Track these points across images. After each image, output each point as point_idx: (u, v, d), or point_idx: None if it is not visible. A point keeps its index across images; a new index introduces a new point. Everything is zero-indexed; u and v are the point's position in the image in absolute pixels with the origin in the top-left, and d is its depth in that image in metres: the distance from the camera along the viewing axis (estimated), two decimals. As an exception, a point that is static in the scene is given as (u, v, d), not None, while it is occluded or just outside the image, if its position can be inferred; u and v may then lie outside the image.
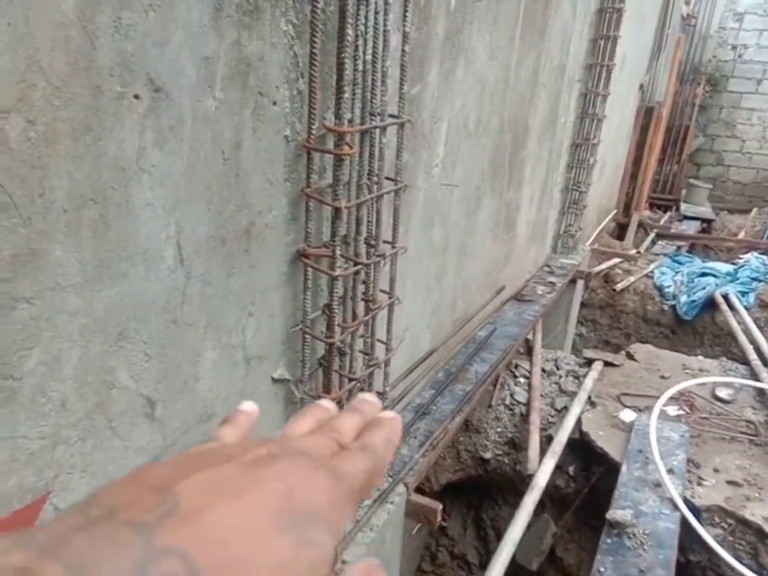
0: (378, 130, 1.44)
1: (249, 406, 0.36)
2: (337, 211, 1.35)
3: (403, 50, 1.45)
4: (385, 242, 1.63)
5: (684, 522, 2.23)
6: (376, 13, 1.32)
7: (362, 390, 1.70)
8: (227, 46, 1.07)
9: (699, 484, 2.48)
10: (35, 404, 0.92)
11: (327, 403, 0.36)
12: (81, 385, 0.99)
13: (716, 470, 2.55)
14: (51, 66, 0.81)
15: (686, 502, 2.31)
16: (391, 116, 1.50)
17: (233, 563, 0.25)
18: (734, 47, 9.25)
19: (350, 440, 0.33)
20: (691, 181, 8.98)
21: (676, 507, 2.27)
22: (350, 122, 1.33)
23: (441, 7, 1.80)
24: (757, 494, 2.42)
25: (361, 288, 1.60)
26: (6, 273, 0.83)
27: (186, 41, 0.99)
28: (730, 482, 2.48)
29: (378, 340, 1.74)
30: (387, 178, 1.57)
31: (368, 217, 1.52)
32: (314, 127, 1.25)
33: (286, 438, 0.34)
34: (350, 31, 1.23)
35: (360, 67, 1.30)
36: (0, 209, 0.80)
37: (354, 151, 1.34)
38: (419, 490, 2.21)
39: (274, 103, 1.23)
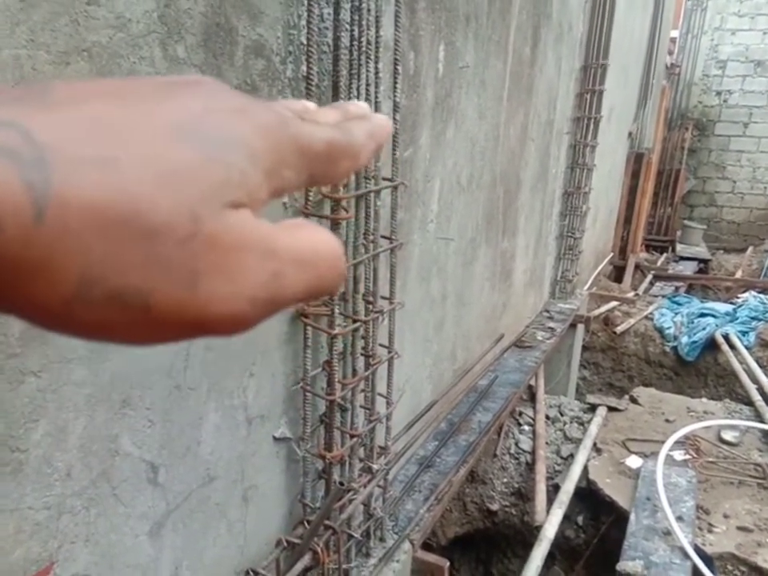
0: (372, 194, 1.50)
1: None
2: (334, 272, 1.40)
3: (395, 118, 1.53)
4: (383, 297, 1.67)
5: (696, 571, 2.19)
6: (367, 85, 1.40)
7: (363, 446, 1.71)
8: (227, 124, 1.13)
9: (710, 531, 2.44)
10: (41, 475, 0.94)
11: (309, 104, 0.29)
12: (85, 454, 1.01)
13: (726, 516, 2.51)
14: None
15: (697, 550, 2.27)
16: (385, 179, 1.56)
17: (100, 161, 0.19)
18: (719, 93, 9.54)
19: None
20: (686, 222, 9.12)
21: (687, 556, 2.23)
22: (346, 187, 1.39)
23: (429, 75, 1.89)
24: (768, 540, 2.38)
25: (360, 344, 1.62)
26: (15, 348, 0.86)
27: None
28: (740, 528, 2.44)
29: (379, 394, 1.75)
30: (383, 237, 1.62)
31: (365, 275, 1.56)
32: (310, 194, 1.31)
33: None
34: (342, 104, 1.30)
35: (353, 136, 1.37)
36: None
37: (350, 215, 1.40)
38: (426, 545, 2.18)
39: (272, 173, 1.29)
